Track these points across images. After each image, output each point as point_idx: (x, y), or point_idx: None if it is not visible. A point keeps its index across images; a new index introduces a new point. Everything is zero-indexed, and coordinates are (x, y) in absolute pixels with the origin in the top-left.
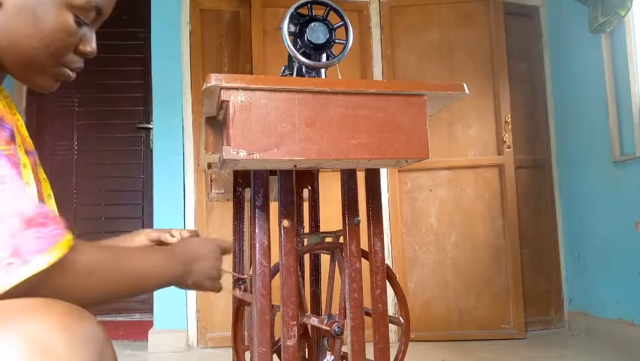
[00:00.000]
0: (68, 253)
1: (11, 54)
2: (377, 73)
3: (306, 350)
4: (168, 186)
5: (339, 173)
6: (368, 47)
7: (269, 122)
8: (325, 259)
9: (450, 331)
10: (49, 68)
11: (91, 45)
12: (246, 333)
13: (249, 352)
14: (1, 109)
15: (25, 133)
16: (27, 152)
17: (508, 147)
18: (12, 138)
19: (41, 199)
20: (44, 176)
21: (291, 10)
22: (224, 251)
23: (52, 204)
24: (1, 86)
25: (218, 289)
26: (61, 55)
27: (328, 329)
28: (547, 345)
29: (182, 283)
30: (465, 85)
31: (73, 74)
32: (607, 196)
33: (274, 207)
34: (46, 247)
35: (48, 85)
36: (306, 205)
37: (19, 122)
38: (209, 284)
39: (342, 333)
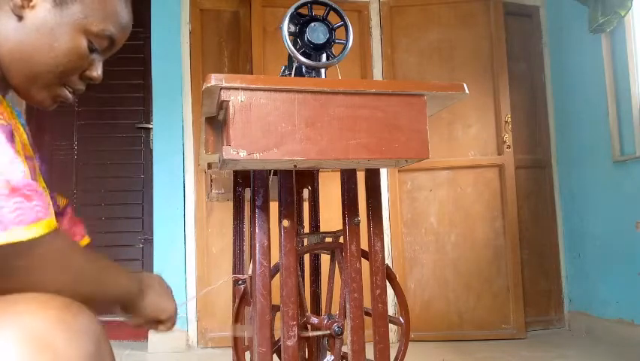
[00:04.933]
0: (47, 235)
1: (20, 67)
2: (377, 73)
3: (306, 350)
4: (168, 186)
5: (339, 173)
6: (368, 47)
7: (269, 122)
8: (325, 259)
9: (450, 331)
10: (53, 87)
11: (97, 71)
12: (245, 333)
13: (249, 352)
14: (2, 111)
15: (26, 141)
16: (26, 157)
17: (508, 147)
18: (10, 137)
19: None
20: (44, 185)
21: (291, 10)
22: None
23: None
24: (6, 99)
25: (168, 329)
26: (67, 75)
27: (328, 329)
28: (547, 345)
29: (134, 306)
30: (465, 85)
31: (71, 97)
32: (607, 196)
33: (274, 207)
34: (26, 220)
35: (47, 103)
36: (306, 205)
37: (20, 129)
38: (151, 321)
39: (342, 333)
